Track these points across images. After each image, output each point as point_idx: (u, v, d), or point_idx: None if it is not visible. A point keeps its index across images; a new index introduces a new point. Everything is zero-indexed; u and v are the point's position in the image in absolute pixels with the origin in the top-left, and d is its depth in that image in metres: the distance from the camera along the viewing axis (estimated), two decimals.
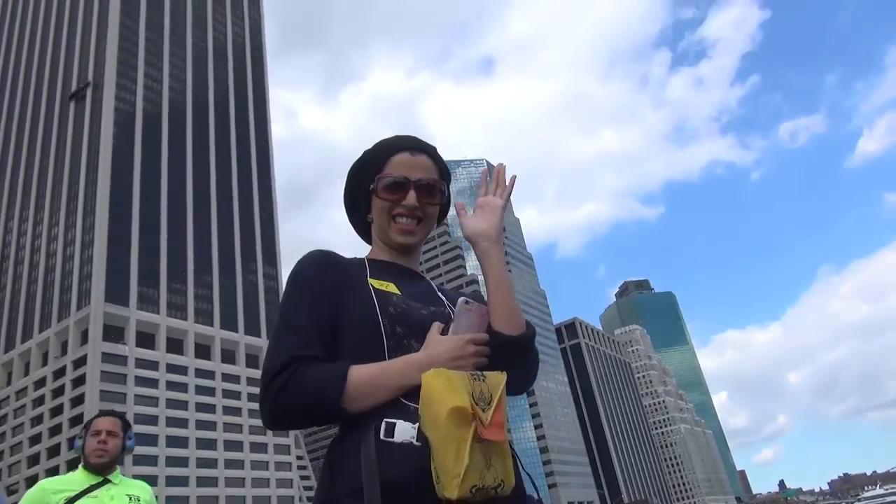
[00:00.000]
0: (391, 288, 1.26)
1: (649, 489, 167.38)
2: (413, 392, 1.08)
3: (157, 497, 2.99)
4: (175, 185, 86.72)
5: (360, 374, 1.11)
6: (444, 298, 1.35)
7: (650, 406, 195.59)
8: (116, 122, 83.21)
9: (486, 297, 1.29)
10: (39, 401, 74.69)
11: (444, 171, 1.40)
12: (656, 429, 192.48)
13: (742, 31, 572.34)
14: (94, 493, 2.68)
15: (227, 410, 79.72)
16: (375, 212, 1.36)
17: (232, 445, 78.13)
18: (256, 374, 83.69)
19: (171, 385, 75.43)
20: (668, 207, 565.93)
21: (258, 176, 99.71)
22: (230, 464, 76.91)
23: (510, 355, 1.19)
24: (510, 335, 1.21)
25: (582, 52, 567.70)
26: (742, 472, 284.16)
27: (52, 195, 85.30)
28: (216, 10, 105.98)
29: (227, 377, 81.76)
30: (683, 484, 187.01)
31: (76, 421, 68.95)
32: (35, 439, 73.00)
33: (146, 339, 75.90)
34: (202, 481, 72.87)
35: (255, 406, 75.35)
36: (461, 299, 1.21)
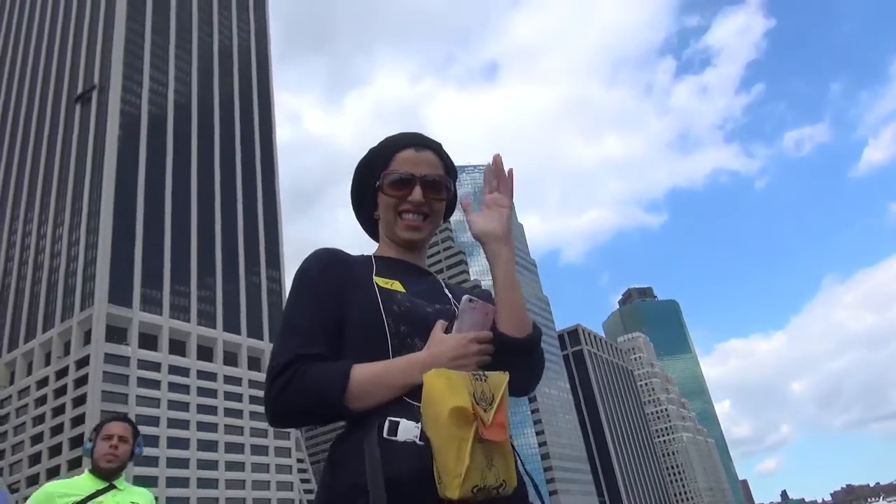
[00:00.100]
0: (396, 286, 1.26)
1: (650, 497, 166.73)
2: (416, 391, 1.08)
3: (157, 498, 2.99)
4: (179, 187, 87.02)
5: (363, 373, 1.12)
6: (450, 295, 1.34)
7: (652, 414, 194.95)
8: (122, 124, 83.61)
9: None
10: (41, 400, 74.86)
11: (449, 167, 1.40)
12: (658, 437, 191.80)
13: (747, 40, 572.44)
14: (99, 498, 2.66)
15: (229, 412, 79.77)
16: (382, 208, 1.37)
17: (233, 447, 78.15)
18: (258, 376, 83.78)
19: (172, 387, 75.54)
20: (672, 215, 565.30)
21: (262, 179, 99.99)
22: (231, 466, 76.92)
23: (515, 356, 1.19)
24: (516, 337, 1.20)
25: (586, 59, 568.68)
26: (744, 482, 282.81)
27: (57, 196, 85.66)
28: (222, 15, 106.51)
29: (228, 379, 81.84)
30: (685, 493, 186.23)
31: (78, 421, 69.08)
32: (37, 438, 73.13)
33: (149, 341, 76.06)
34: (203, 483, 72.88)
35: (257, 408, 76.09)
36: (465, 297, 1.20)
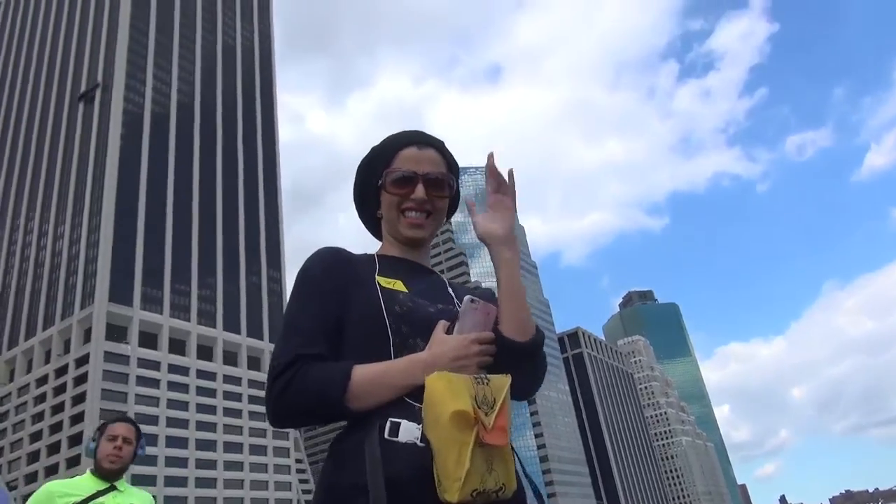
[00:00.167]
0: (398, 286, 1.26)
1: (649, 501, 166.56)
2: (418, 392, 1.08)
3: (155, 497, 2.99)
4: (181, 186, 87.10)
5: (364, 373, 1.12)
6: (453, 295, 1.34)
7: (652, 417, 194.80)
8: (125, 123, 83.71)
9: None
10: (41, 398, 74.89)
11: (452, 164, 1.40)
12: (657, 440, 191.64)
13: (750, 44, 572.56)
14: (100, 499, 2.64)
15: (228, 412, 79.75)
16: (384, 207, 1.37)
17: (231, 447, 78.12)
18: (258, 376, 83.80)
19: (172, 385, 75.55)
20: (674, 218, 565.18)
21: (264, 179, 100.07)
22: (229, 465, 76.89)
23: (517, 360, 1.19)
24: (518, 341, 1.20)
25: (589, 62, 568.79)
26: (743, 487, 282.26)
27: (59, 195, 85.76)
28: (226, 15, 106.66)
29: (228, 379, 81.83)
30: (683, 496, 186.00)
31: (77, 419, 69.10)
32: (35, 436, 73.16)
33: (149, 340, 76.09)
34: (201, 482, 72.84)
35: (256, 408, 76.03)
36: (466, 298, 1.20)
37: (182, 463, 71.98)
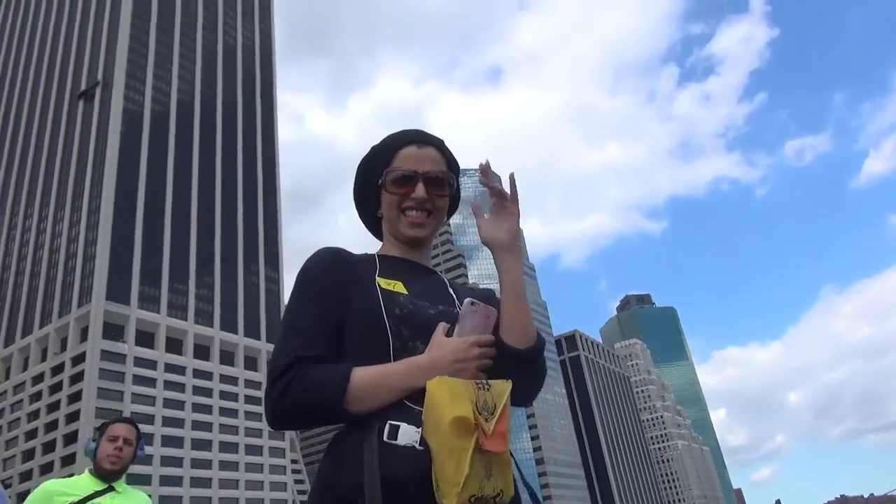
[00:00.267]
0: (398, 287, 1.26)
1: None
2: (417, 395, 1.08)
3: (150, 496, 2.98)
4: (180, 185, 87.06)
5: (363, 376, 1.11)
6: (454, 296, 1.33)
7: (648, 421, 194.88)
8: (124, 121, 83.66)
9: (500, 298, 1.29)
10: (36, 396, 74.73)
11: (452, 163, 1.40)
12: (653, 444, 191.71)
13: (750, 48, 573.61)
14: (98, 500, 2.62)
15: (224, 412, 79.65)
16: (385, 206, 1.36)
17: (227, 447, 78.01)
18: (255, 376, 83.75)
19: (168, 385, 75.45)
20: (672, 222, 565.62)
21: (263, 179, 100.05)
22: (224, 465, 76.78)
23: (517, 366, 1.19)
24: (519, 348, 1.20)
25: (590, 65, 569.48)
26: (738, 491, 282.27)
27: (58, 193, 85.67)
28: (227, 15, 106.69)
29: (224, 379, 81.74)
30: (679, 500, 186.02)
31: (73, 417, 68.98)
32: (31, 434, 73.00)
33: (146, 338, 75.99)
34: (196, 482, 72.74)
35: (252, 408, 75.81)
36: (467, 300, 1.19)
37: (177, 462, 71.87)
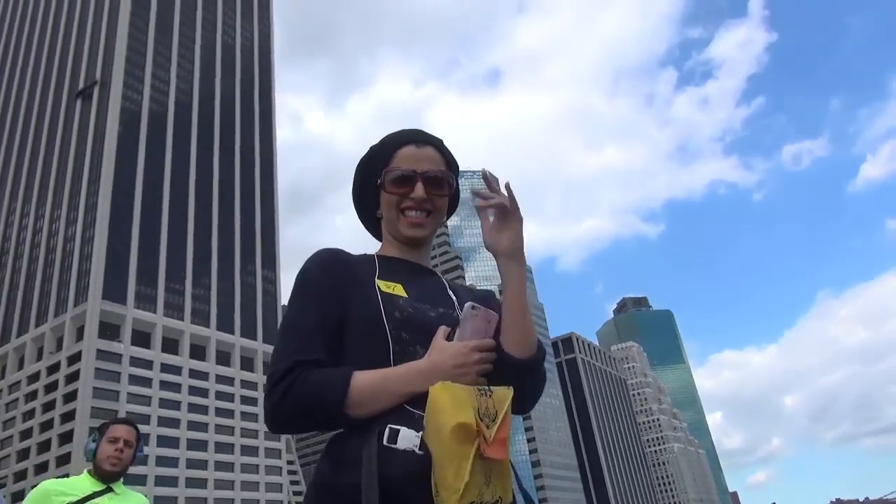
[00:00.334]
0: (398, 290, 1.25)
1: None
2: (417, 399, 1.08)
3: (145, 496, 2.97)
4: (178, 185, 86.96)
5: (363, 381, 1.11)
6: (453, 297, 1.33)
7: (644, 424, 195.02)
8: (122, 120, 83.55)
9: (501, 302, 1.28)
10: (32, 395, 74.51)
11: (451, 162, 1.39)
12: (649, 447, 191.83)
13: (748, 53, 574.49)
14: (96, 500, 2.61)
15: (220, 412, 79.52)
16: (384, 206, 1.35)
17: (223, 447, 77.88)
18: (251, 377, 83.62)
19: (164, 385, 75.31)
20: (670, 225, 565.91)
21: (261, 179, 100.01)
22: (220, 466, 76.64)
23: (516, 376, 1.18)
24: (518, 358, 1.20)
25: (588, 68, 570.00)
26: (734, 494, 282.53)
27: (55, 192, 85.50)
28: (226, 14, 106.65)
29: (220, 379, 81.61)
30: (675, 503, 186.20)
31: (68, 417, 68.79)
32: (26, 433, 72.76)
33: (142, 338, 75.84)
34: (191, 482, 72.60)
35: (248, 409, 75.60)
36: (468, 304, 1.18)
37: (173, 463, 71.73)
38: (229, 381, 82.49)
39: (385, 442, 1.06)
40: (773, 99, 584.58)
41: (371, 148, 1.39)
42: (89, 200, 79.71)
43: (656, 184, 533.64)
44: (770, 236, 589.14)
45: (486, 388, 1.07)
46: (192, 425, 75.92)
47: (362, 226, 1.48)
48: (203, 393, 78.95)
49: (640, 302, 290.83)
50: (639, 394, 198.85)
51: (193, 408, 76.98)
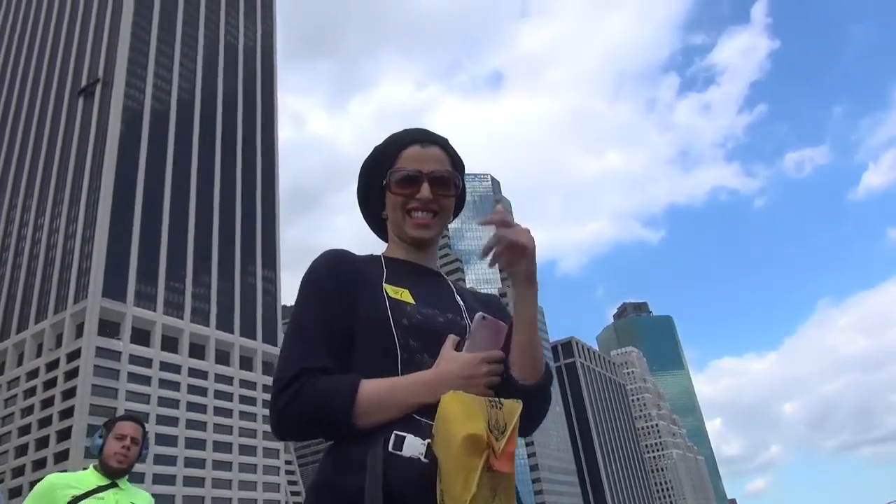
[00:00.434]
0: (405, 296, 1.22)
1: None
2: (425, 408, 1.08)
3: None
4: (179, 184, 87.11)
5: (371, 389, 1.10)
6: (460, 302, 1.31)
7: (643, 429, 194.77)
8: (124, 119, 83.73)
9: (510, 305, 1.27)
10: (31, 392, 74.55)
11: (457, 162, 1.36)
12: (648, 452, 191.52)
13: (751, 60, 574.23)
14: (100, 494, 2.62)
15: (218, 411, 79.52)
16: (389, 207, 1.33)
17: (221, 446, 77.85)
18: (250, 376, 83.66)
19: (163, 383, 75.33)
20: (670, 231, 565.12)
21: (262, 179, 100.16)
22: (218, 465, 76.60)
23: (523, 400, 1.14)
24: (524, 384, 1.18)
25: (591, 72, 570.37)
26: (733, 501, 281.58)
27: (56, 189, 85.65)
28: (229, 14, 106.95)
29: (219, 378, 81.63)
30: None
31: (66, 414, 68.81)
32: (24, 430, 72.76)
33: (141, 336, 75.89)
34: (189, 481, 72.56)
35: (247, 408, 75.59)
36: (478, 315, 1.17)
37: (171, 461, 71.69)
38: (228, 380, 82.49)
39: (391, 448, 1.05)
40: (775, 106, 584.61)
41: (375, 148, 1.37)
42: (90, 198, 79.83)
43: (657, 189, 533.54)
44: (771, 243, 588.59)
45: (497, 399, 1.06)
46: (191, 424, 75.90)
47: (367, 227, 1.45)
48: (202, 392, 78.95)
49: (641, 307, 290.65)
50: (638, 399, 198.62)
51: (192, 406, 76.96)
